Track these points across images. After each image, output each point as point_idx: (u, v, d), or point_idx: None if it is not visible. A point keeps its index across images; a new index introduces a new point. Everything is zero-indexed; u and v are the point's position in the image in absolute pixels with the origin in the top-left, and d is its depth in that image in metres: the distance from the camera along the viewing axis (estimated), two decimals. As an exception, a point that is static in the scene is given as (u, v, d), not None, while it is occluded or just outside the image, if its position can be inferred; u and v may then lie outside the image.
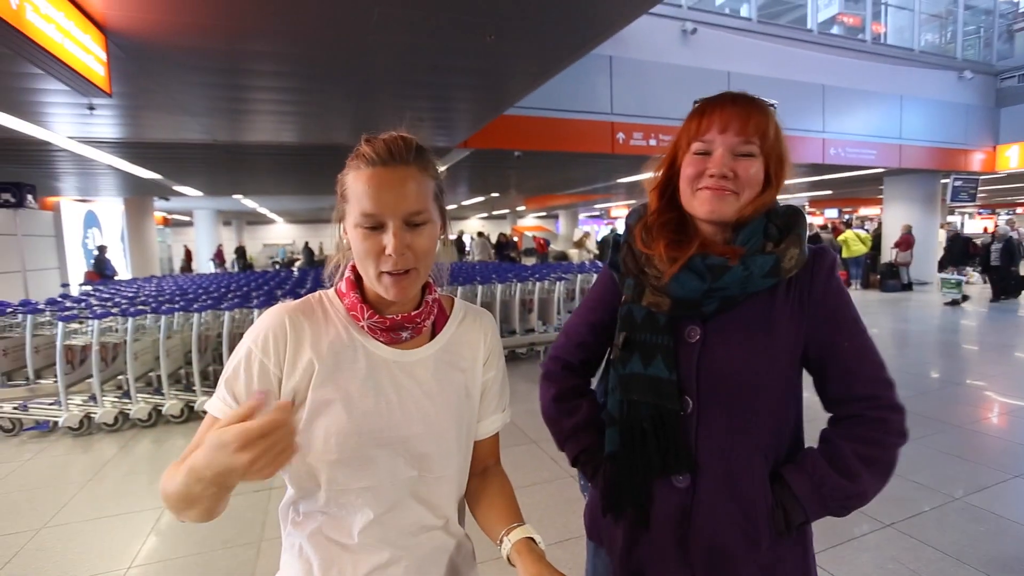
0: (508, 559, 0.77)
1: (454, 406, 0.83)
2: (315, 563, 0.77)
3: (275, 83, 4.77)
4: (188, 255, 19.71)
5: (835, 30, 11.23)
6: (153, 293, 5.89)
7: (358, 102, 5.59)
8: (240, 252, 19.69)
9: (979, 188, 12.04)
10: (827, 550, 2.31)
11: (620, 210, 23.84)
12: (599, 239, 18.25)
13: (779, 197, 0.88)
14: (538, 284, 6.49)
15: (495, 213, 26.19)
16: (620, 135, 8.10)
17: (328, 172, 9.61)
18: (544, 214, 27.13)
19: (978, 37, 13.08)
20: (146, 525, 2.65)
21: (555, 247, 19.62)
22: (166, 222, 19.28)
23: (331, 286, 0.84)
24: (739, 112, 0.82)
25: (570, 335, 1.01)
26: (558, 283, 6.57)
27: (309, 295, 0.83)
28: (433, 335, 0.86)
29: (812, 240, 0.79)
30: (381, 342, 0.80)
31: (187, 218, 20.42)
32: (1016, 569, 2.18)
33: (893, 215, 12.46)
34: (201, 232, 19.04)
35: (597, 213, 26.91)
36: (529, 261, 15.51)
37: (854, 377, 0.83)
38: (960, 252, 12.72)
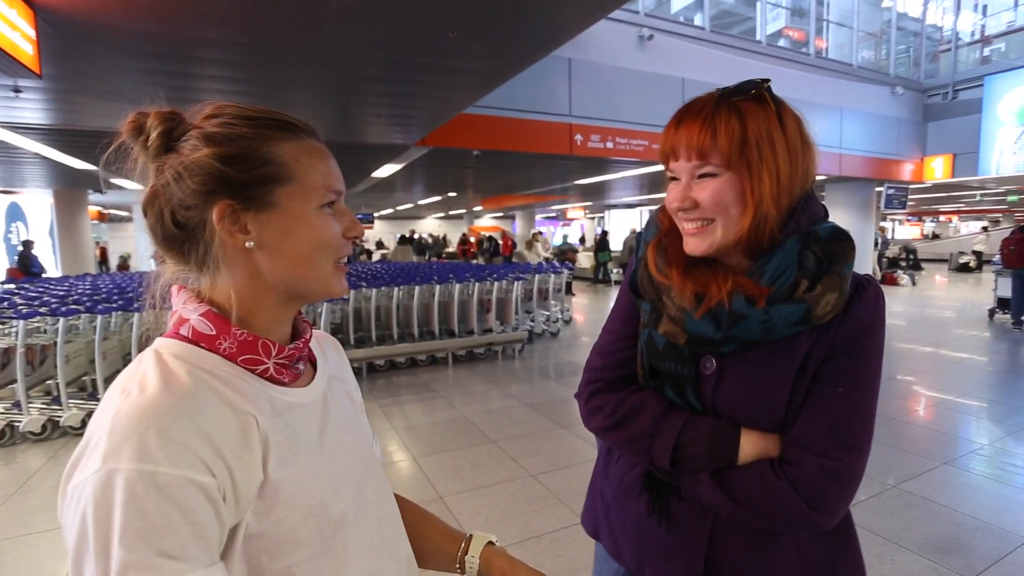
0: (478, 572, 0.73)
1: (370, 444, 0.69)
2: None
3: (221, 72, 4.56)
4: (103, 253, 17.67)
5: (782, 43, 11.76)
6: (88, 292, 5.52)
7: (313, 96, 5.42)
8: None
9: (908, 196, 12.89)
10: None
11: (576, 211, 24.14)
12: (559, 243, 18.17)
13: None
14: (496, 284, 6.47)
15: (452, 213, 26.02)
16: (578, 136, 8.19)
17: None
18: (501, 214, 27.16)
19: (908, 56, 14.03)
20: (78, 538, 2.47)
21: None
22: (102, 217, 18.09)
23: (161, 334, 0.57)
24: (688, 129, 0.72)
25: (606, 354, 0.89)
26: (516, 283, 6.57)
27: (168, 363, 0.51)
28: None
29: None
30: (283, 384, 0.58)
31: (126, 213, 19.29)
32: (946, 549, 2.32)
33: (833, 220, 13.21)
34: (142, 229, 17.94)
35: (553, 214, 27.16)
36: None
37: (819, 427, 0.72)
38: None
